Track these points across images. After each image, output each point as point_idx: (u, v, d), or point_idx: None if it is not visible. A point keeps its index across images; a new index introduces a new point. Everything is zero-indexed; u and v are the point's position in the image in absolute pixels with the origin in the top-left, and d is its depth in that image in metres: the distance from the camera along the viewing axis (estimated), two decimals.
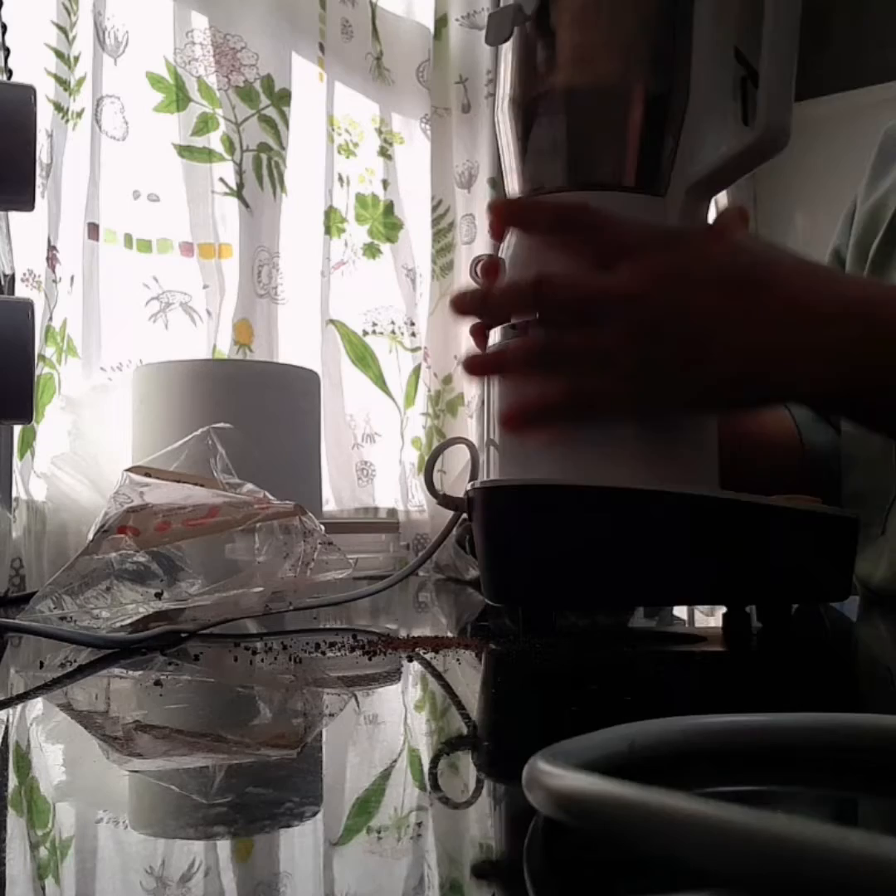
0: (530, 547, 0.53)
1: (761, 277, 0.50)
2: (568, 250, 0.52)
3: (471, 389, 1.54)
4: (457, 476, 1.37)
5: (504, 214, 0.55)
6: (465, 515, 0.59)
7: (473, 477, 0.63)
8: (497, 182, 1.55)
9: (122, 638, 0.50)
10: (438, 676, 0.44)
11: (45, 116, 0.95)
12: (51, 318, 0.95)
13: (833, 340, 0.49)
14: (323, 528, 0.61)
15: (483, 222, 1.55)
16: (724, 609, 0.56)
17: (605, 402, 0.51)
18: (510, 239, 0.57)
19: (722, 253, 0.51)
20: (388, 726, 0.35)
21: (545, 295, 0.51)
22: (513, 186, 0.59)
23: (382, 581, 0.71)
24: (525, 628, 0.54)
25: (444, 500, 0.59)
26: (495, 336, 0.58)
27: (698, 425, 0.56)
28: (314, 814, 0.24)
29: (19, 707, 0.39)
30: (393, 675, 0.44)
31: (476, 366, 0.55)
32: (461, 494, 0.60)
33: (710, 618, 0.67)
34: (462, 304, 0.55)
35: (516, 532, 0.54)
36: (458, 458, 1.54)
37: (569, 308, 0.51)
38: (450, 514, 0.64)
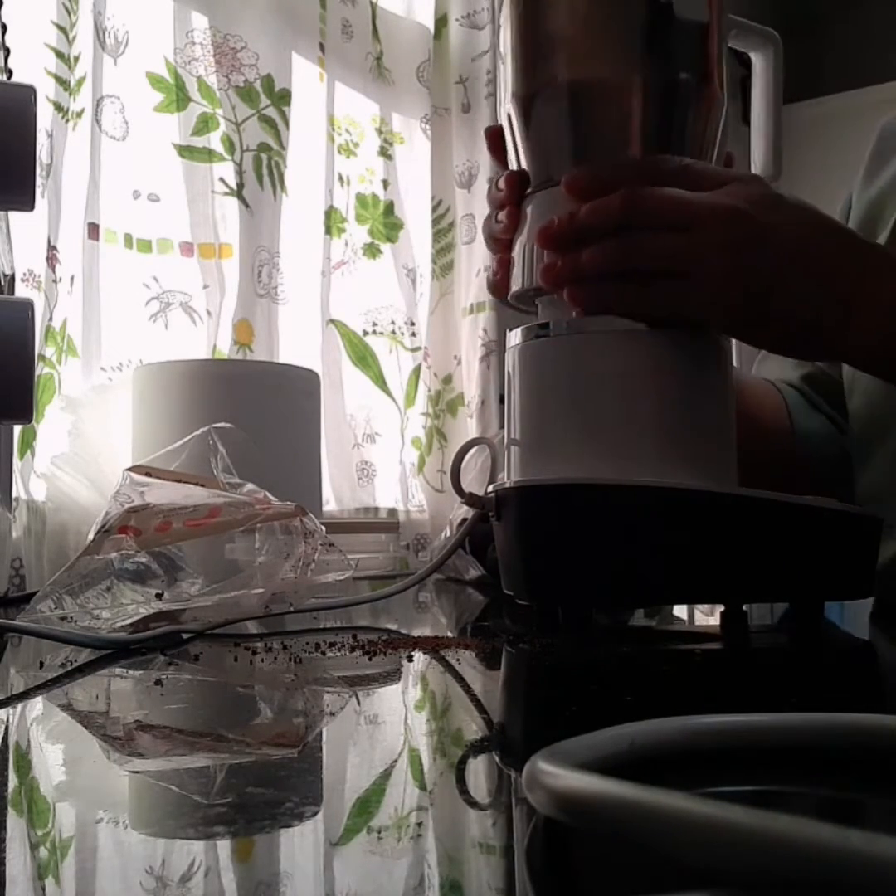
0: (570, 545, 0.53)
1: (839, 227, 0.56)
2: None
3: (471, 389, 1.54)
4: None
5: (586, 186, 0.55)
6: (491, 515, 0.59)
7: (493, 478, 0.63)
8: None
9: (122, 638, 0.50)
10: (438, 676, 0.44)
11: (45, 116, 0.95)
12: (51, 318, 0.95)
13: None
14: (324, 528, 0.61)
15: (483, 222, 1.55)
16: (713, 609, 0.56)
17: (674, 306, 0.53)
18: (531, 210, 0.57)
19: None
20: (388, 726, 0.35)
21: (639, 207, 0.52)
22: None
23: (404, 580, 0.70)
24: (564, 627, 0.54)
25: (471, 499, 0.59)
26: (516, 337, 0.58)
27: (719, 423, 0.56)
28: (314, 814, 0.24)
29: (19, 707, 0.39)
30: (393, 675, 0.44)
31: (553, 275, 0.55)
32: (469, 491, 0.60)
33: (710, 617, 0.67)
34: (550, 232, 0.55)
35: (556, 530, 0.54)
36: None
37: (663, 218, 0.52)
38: (447, 516, 0.64)
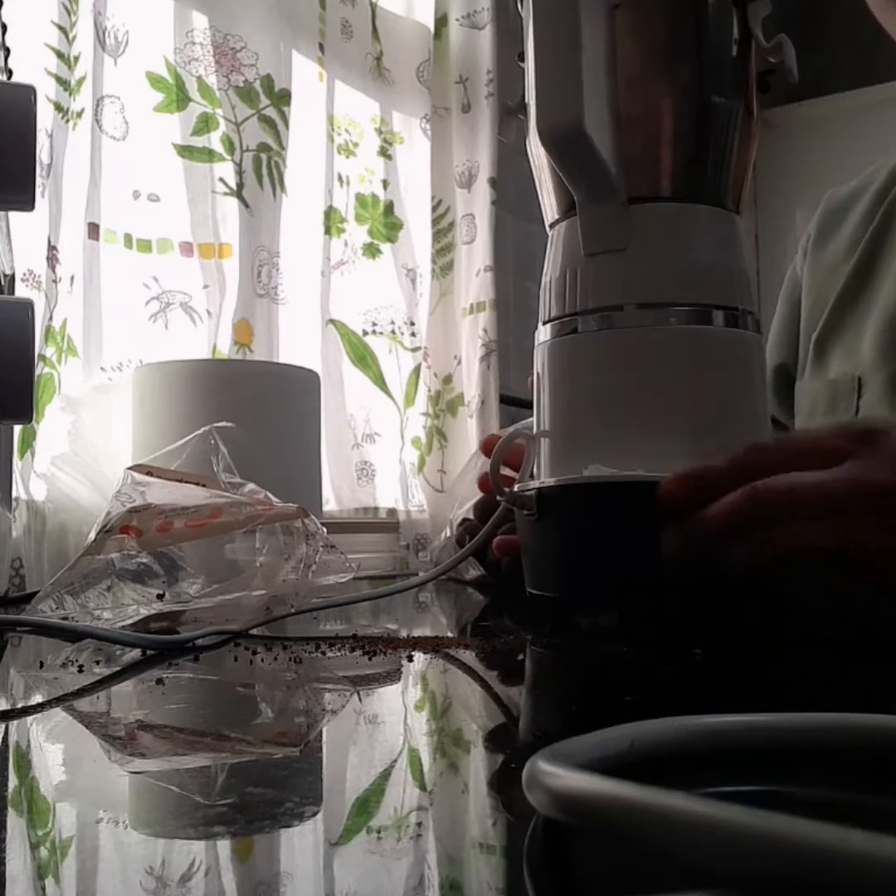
0: (632, 546, 0.50)
1: None
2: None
3: (471, 389, 1.54)
4: (457, 476, 1.37)
5: (681, 492, 0.48)
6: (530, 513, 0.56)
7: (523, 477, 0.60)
8: (497, 182, 1.55)
9: (168, 639, 0.50)
10: (438, 676, 0.44)
11: (45, 116, 0.95)
12: (51, 318, 0.95)
13: None
14: (325, 530, 0.61)
15: (483, 222, 1.55)
16: None
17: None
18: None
19: None
20: (388, 726, 0.35)
21: (771, 501, 0.45)
22: (550, 201, 0.59)
23: (427, 573, 0.70)
24: (621, 632, 0.52)
25: (511, 498, 0.57)
26: (544, 334, 0.57)
27: (754, 416, 0.55)
28: (314, 814, 0.24)
29: (19, 707, 0.39)
30: (393, 675, 0.44)
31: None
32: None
33: None
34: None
35: (618, 530, 0.51)
36: (458, 458, 1.54)
37: (802, 510, 0.45)
38: (447, 516, 0.63)
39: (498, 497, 0.58)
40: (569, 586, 0.54)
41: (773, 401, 0.94)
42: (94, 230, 1.05)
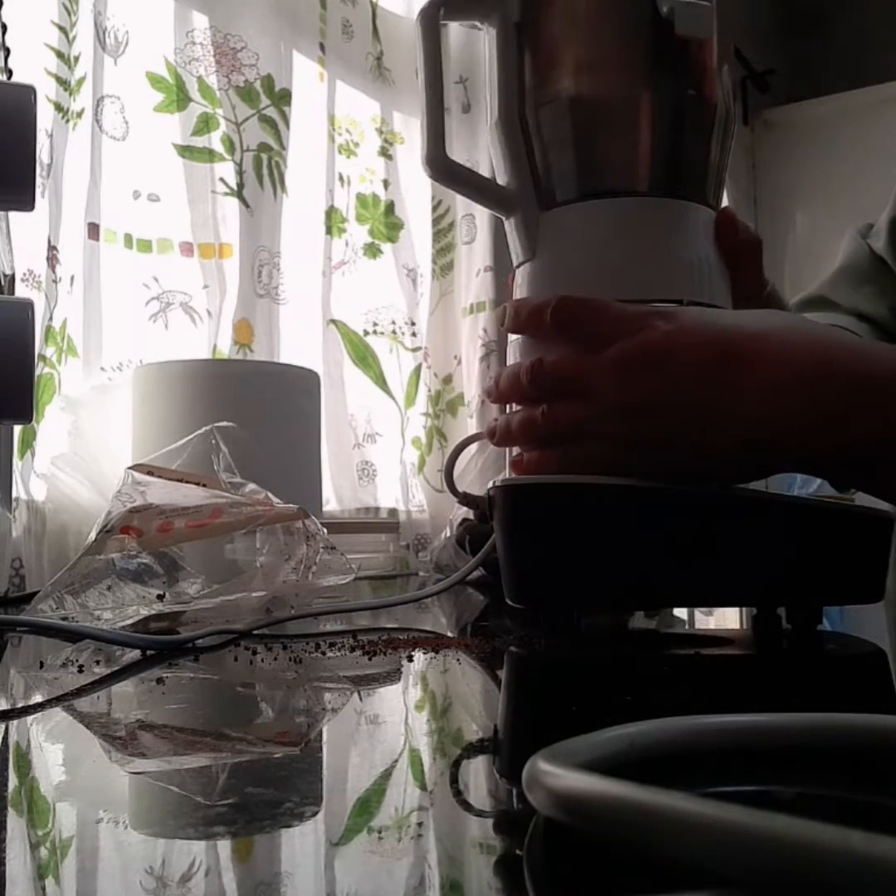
0: (553, 546, 0.51)
1: (741, 349, 0.48)
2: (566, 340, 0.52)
3: (471, 389, 1.54)
4: (459, 474, 1.37)
5: (513, 321, 0.56)
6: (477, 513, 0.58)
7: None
8: None
9: (168, 639, 0.50)
10: (438, 676, 0.44)
11: (45, 116, 0.95)
12: (51, 318, 0.95)
13: (821, 403, 0.47)
14: (325, 531, 0.61)
15: (483, 222, 1.55)
16: (722, 610, 0.55)
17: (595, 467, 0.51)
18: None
19: (694, 328, 0.50)
20: (389, 726, 0.35)
21: (538, 379, 0.52)
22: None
23: (447, 579, 0.70)
24: (548, 631, 0.53)
25: (465, 499, 0.58)
26: (514, 353, 0.58)
27: None
28: (314, 814, 0.24)
29: (20, 706, 0.39)
30: (393, 675, 0.44)
31: (496, 436, 0.55)
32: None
33: (710, 617, 0.66)
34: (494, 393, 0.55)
35: (539, 531, 0.52)
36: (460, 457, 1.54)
37: (561, 388, 0.51)
38: (447, 516, 0.63)
39: (455, 498, 0.59)
40: (506, 585, 0.54)
41: (889, 251, 0.85)
42: (94, 230, 1.05)
